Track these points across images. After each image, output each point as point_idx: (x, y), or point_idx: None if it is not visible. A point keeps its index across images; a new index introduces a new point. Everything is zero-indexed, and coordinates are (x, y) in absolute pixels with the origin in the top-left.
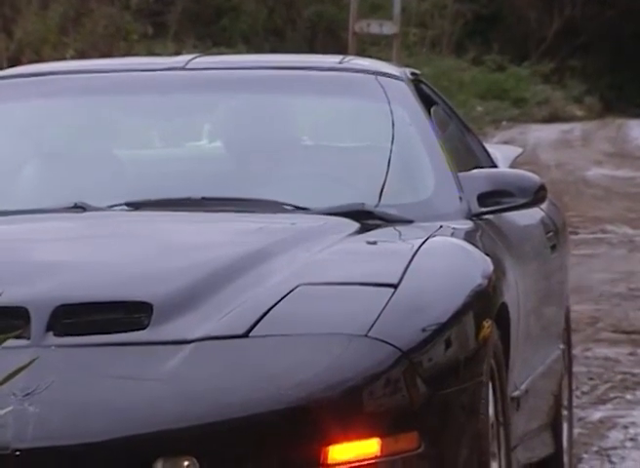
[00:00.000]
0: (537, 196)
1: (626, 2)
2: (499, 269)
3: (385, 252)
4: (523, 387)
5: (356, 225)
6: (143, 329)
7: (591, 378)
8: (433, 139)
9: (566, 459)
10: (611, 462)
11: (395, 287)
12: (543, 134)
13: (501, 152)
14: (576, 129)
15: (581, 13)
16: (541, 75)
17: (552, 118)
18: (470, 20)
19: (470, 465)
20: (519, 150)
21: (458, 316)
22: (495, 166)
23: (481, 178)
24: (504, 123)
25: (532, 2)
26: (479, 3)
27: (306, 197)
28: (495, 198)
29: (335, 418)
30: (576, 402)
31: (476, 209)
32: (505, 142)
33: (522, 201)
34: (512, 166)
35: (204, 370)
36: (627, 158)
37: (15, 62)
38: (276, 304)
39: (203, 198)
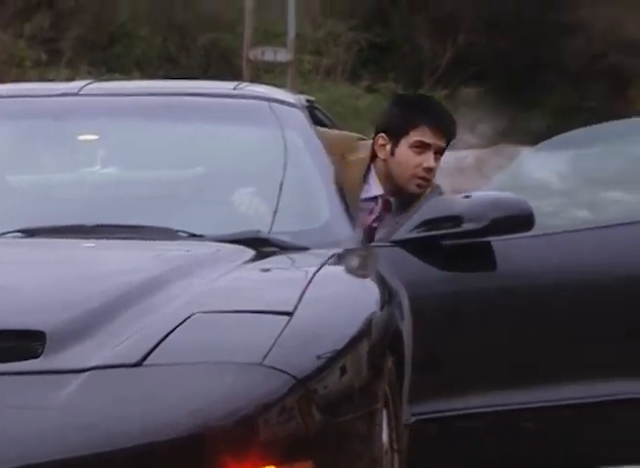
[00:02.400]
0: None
1: (519, 32)
2: (393, 296)
3: (280, 279)
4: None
5: (251, 253)
6: (37, 357)
7: None
8: (328, 167)
9: None
10: None
11: (290, 314)
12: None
13: None
14: (470, 156)
15: (475, 42)
16: None
17: None
18: (365, 48)
19: None
20: None
21: (352, 343)
22: None
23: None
24: None
25: (425, 31)
26: (373, 32)
27: (201, 224)
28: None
29: (229, 447)
30: None
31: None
32: None
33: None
34: None
35: (98, 400)
36: (520, 187)
37: None
38: (171, 332)
39: (97, 225)
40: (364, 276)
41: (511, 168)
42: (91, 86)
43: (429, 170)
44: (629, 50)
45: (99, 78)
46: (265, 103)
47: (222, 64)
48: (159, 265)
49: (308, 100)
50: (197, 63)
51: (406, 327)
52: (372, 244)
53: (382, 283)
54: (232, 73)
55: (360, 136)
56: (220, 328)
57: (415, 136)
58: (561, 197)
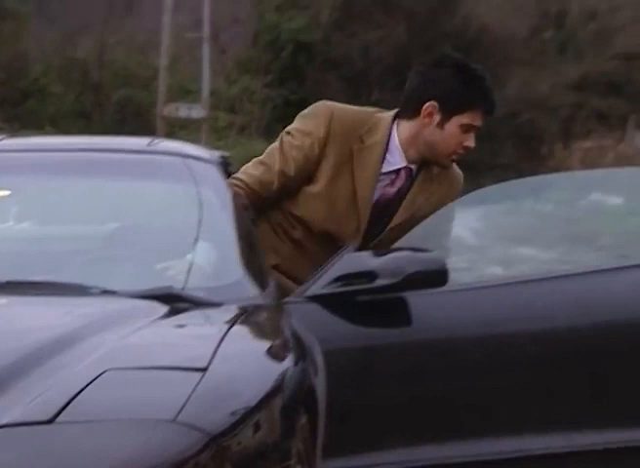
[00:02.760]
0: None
1: None
2: (307, 352)
3: (194, 335)
4: None
5: (165, 309)
6: None
7: None
8: (242, 222)
9: None
10: None
11: (204, 371)
12: None
13: None
14: None
15: (390, 98)
16: None
17: None
18: (279, 105)
19: None
20: None
21: (266, 400)
22: None
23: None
24: None
25: (339, 87)
26: (288, 88)
27: (114, 280)
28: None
29: None
30: None
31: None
32: None
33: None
34: None
35: (9, 458)
36: None
37: None
38: (83, 389)
39: (8, 282)
40: (277, 332)
41: (422, 224)
42: (4, 141)
43: (467, 148)
44: (541, 109)
45: (12, 134)
46: (179, 159)
47: (137, 121)
48: (71, 322)
49: (223, 157)
50: (111, 120)
51: (320, 383)
52: (285, 300)
53: (296, 339)
54: (147, 129)
55: (376, 109)
56: (133, 384)
57: (468, 118)
58: (474, 253)
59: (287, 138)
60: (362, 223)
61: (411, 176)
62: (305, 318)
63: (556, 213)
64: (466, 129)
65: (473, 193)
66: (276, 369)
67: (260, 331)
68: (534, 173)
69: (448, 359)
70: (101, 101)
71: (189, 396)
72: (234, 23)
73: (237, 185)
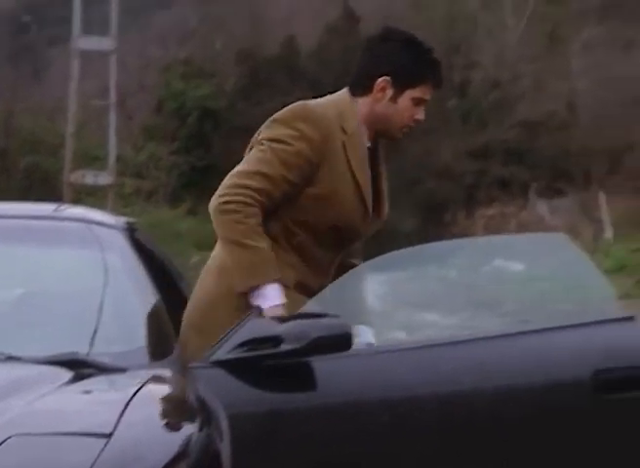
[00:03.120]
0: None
1: None
2: (212, 417)
3: (99, 401)
4: None
5: (70, 374)
6: None
7: None
8: (147, 288)
9: None
10: None
11: (109, 436)
12: None
13: None
14: None
15: None
16: None
17: None
18: (186, 172)
19: None
20: None
21: (171, 465)
22: None
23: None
24: None
25: (243, 155)
26: (194, 155)
27: (19, 346)
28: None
29: None
30: None
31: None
32: None
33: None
34: None
35: None
36: None
37: None
38: None
39: None
40: (182, 397)
41: (329, 290)
42: None
43: (417, 121)
44: (444, 177)
45: None
46: (85, 225)
47: (44, 187)
48: None
49: (129, 223)
50: (18, 186)
51: (225, 448)
52: (191, 365)
53: (201, 404)
54: (54, 196)
55: (333, 93)
56: (38, 449)
57: (420, 92)
58: (379, 318)
59: (279, 146)
60: (369, 211)
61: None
62: (211, 383)
63: (460, 279)
64: (418, 102)
65: (378, 259)
66: (181, 434)
67: (164, 397)
68: (438, 239)
69: (354, 423)
70: (8, 168)
71: (94, 461)
72: (140, 90)
73: (249, 203)
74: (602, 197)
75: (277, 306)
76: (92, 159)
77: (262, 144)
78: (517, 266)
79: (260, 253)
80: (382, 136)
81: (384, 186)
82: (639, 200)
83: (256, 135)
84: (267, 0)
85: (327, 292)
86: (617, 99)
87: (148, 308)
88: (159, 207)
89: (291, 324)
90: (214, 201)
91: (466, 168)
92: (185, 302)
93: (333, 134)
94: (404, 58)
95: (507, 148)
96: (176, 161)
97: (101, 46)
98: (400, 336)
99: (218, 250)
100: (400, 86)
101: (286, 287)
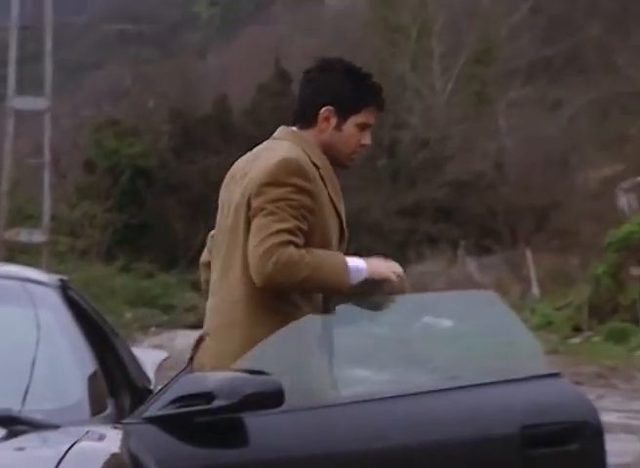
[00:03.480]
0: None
1: None
2: None
3: (32, 458)
4: None
5: (3, 431)
6: None
7: None
8: (81, 345)
9: None
10: None
11: None
12: (191, 339)
13: (149, 356)
14: None
15: None
16: (190, 282)
17: (200, 324)
18: (120, 229)
19: None
20: (165, 354)
21: None
22: (141, 370)
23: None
24: (153, 329)
25: (178, 213)
26: (128, 213)
27: None
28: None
29: None
30: None
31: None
32: (155, 347)
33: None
34: (158, 369)
35: None
36: None
37: None
38: None
39: None
40: (115, 454)
41: (262, 346)
42: None
43: (364, 146)
44: (375, 234)
45: None
46: (19, 283)
47: None
48: None
49: (62, 280)
50: None
51: None
52: (124, 421)
53: (134, 460)
54: None
55: (288, 134)
56: None
57: (364, 117)
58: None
59: (283, 204)
60: (345, 234)
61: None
62: (143, 439)
63: (391, 335)
64: (362, 127)
65: (310, 315)
66: None
67: (97, 454)
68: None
69: None
70: None
71: None
72: (74, 149)
73: (286, 247)
74: (529, 254)
75: (377, 261)
76: (26, 217)
77: (265, 209)
78: (446, 323)
79: (323, 264)
80: (334, 164)
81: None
82: (564, 257)
83: (239, 196)
84: (200, 60)
85: (256, 350)
86: (543, 159)
87: (83, 365)
88: (93, 264)
89: (223, 380)
90: (262, 271)
91: (396, 226)
92: (119, 359)
93: (314, 174)
94: (345, 86)
95: (436, 207)
96: (109, 219)
97: (36, 105)
98: (333, 393)
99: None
100: (343, 113)
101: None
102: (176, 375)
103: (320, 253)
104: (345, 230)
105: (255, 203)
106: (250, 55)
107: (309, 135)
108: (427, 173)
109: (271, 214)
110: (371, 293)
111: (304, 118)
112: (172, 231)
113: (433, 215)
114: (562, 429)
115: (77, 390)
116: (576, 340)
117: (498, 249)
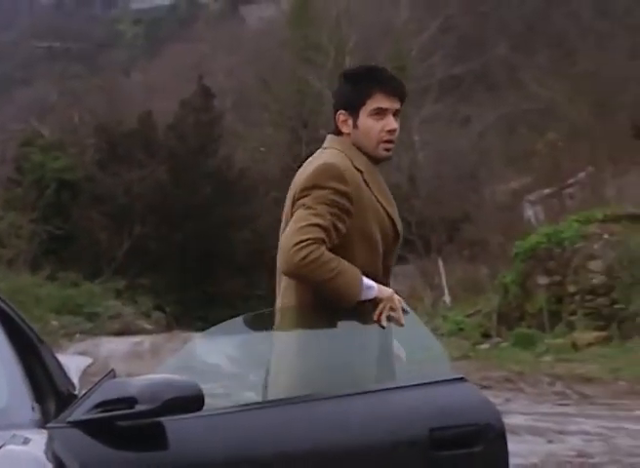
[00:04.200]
0: None
1: (192, 226)
2: None
3: None
4: None
5: None
6: None
7: None
8: (6, 351)
9: None
10: None
11: None
12: (115, 345)
13: (73, 362)
14: (145, 341)
15: (151, 233)
16: (114, 291)
17: (124, 331)
18: (46, 240)
19: None
20: (89, 360)
21: None
22: (66, 375)
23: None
24: (78, 336)
25: (103, 224)
26: (53, 224)
27: None
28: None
29: None
30: None
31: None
32: (80, 354)
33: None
34: (82, 375)
35: None
36: (193, 370)
37: None
38: None
39: None
40: (40, 457)
41: (182, 352)
42: None
43: (392, 131)
44: None
45: None
46: None
47: None
48: None
49: None
50: None
51: None
52: (49, 425)
53: (58, 463)
54: None
55: (332, 145)
56: None
57: (372, 105)
58: (231, 379)
59: (323, 204)
60: (398, 230)
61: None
62: (68, 442)
63: None
64: (377, 114)
65: (230, 321)
66: None
67: (22, 457)
68: None
69: None
70: None
71: None
72: (1, 163)
73: (319, 245)
74: (441, 264)
75: (387, 290)
76: None
77: (305, 205)
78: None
79: (345, 273)
80: (375, 159)
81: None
82: (474, 267)
83: (289, 203)
84: (125, 77)
85: (173, 359)
86: (453, 172)
87: (9, 370)
88: (20, 273)
89: (145, 385)
90: (290, 260)
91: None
92: (44, 365)
93: (355, 179)
94: (344, 88)
95: None
96: (35, 229)
97: None
98: (251, 397)
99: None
100: (353, 110)
101: None
102: (99, 381)
103: (344, 263)
104: (400, 231)
105: (299, 200)
106: (173, 72)
107: (345, 140)
108: None
109: (310, 208)
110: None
111: (335, 129)
112: (96, 242)
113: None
114: (467, 431)
115: (2, 395)
116: (485, 346)
117: (411, 258)
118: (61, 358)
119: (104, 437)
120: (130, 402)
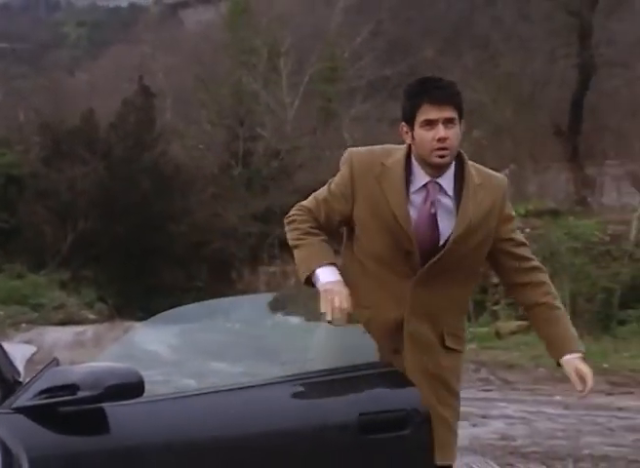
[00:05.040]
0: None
1: (132, 220)
2: (14, 461)
3: None
4: None
5: None
6: None
7: None
8: None
9: None
10: None
11: None
12: (59, 335)
13: (18, 351)
14: (88, 331)
15: (94, 227)
16: (58, 282)
17: (68, 321)
18: None
19: None
20: (34, 349)
21: None
22: (11, 363)
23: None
24: (24, 325)
25: (47, 217)
26: (0, 218)
27: None
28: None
29: None
30: None
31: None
32: (26, 342)
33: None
34: (27, 363)
35: None
36: (134, 358)
37: None
38: None
39: None
40: None
41: (124, 340)
42: None
43: (442, 139)
44: (230, 237)
45: None
46: None
47: None
48: None
49: None
50: None
51: None
52: None
53: (4, 448)
54: None
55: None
56: None
57: (420, 117)
58: (170, 367)
59: (331, 186)
60: (412, 244)
61: (441, 188)
62: (12, 428)
63: (244, 330)
64: (427, 125)
65: (170, 311)
66: None
67: None
68: (225, 294)
69: (145, 465)
70: None
71: None
72: None
73: (301, 213)
74: None
75: (330, 282)
76: None
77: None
78: (295, 320)
79: (309, 247)
80: (431, 168)
81: (467, 223)
82: None
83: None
84: (69, 76)
85: (114, 347)
86: None
87: None
88: None
89: (88, 372)
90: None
91: (250, 229)
92: None
93: (364, 167)
94: (403, 101)
95: (287, 212)
96: None
97: None
98: (190, 384)
99: None
100: (409, 123)
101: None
102: (43, 368)
103: (311, 240)
104: (407, 230)
105: None
106: (115, 72)
107: (412, 151)
108: (279, 181)
109: (327, 188)
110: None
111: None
112: (41, 235)
113: (284, 220)
114: (395, 416)
115: None
116: None
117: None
118: (7, 346)
119: (48, 422)
120: (72, 389)
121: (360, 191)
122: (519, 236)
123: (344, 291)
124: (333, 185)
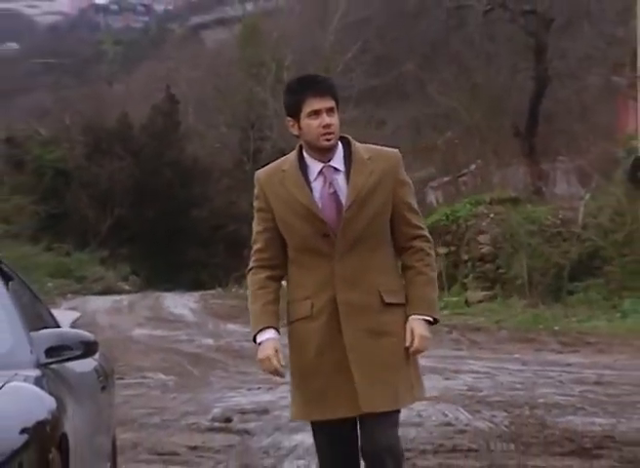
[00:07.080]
0: (89, 349)
1: (161, 205)
2: (61, 406)
3: None
4: None
5: None
6: None
7: None
8: (9, 305)
9: None
10: None
11: None
12: (100, 302)
13: (64, 316)
14: (124, 300)
15: (128, 212)
16: (98, 259)
17: (106, 291)
18: (44, 218)
19: None
20: (78, 314)
21: (27, 445)
22: (58, 326)
23: (47, 336)
24: (70, 295)
25: (90, 204)
26: (50, 205)
27: None
28: (59, 351)
29: None
30: None
31: (43, 360)
32: (71, 309)
33: (78, 353)
34: (73, 326)
35: None
36: (162, 321)
37: None
38: None
39: None
40: (36, 390)
41: (155, 307)
42: None
43: (327, 126)
44: (243, 221)
45: None
46: None
47: None
48: None
49: None
50: None
51: (72, 430)
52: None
53: (51, 395)
54: None
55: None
56: None
57: (307, 109)
58: (194, 328)
59: (255, 210)
60: (325, 225)
61: (337, 170)
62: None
63: None
64: (313, 114)
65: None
66: (34, 419)
67: (22, 391)
68: (238, 270)
69: None
70: None
71: None
72: (7, 156)
73: (253, 267)
74: None
75: (263, 348)
76: None
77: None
78: None
79: (255, 308)
80: (320, 152)
81: (356, 192)
82: None
83: None
84: (107, 86)
85: (150, 311)
86: None
87: (12, 322)
88: (23, 245)
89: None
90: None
91: None
92: (40, 315)
93: (268, 182)
94: (285, 98)
95: None
96: (35, 209)
97: None
98: (209, 342)
99: None
100: (294, 116)
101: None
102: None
103: (258, 301)
104: (318, 214)
105: None
106: (146, 83)
107: (302, 148)
108: None
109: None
110: None
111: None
112: (84, 219)
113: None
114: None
115: (8, 341)
116: None
117: None
118: (56, 312)
119: None
120: None
121: (272, 199)
122: (415, 203)
123: (271, 352)
124: (255, 208)
